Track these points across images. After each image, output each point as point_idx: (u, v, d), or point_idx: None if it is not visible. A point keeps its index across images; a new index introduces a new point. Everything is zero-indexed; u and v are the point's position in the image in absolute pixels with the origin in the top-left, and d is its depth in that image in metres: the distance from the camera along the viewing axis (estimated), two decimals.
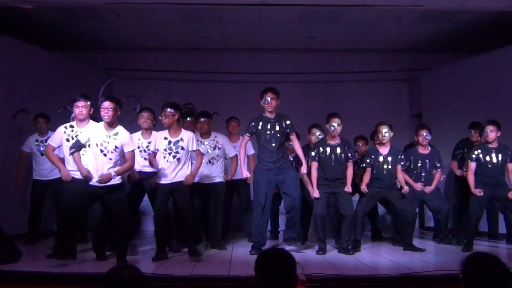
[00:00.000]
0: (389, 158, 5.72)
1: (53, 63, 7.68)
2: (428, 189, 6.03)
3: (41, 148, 6.14)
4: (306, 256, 5.27)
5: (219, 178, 6.02)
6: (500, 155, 5.64)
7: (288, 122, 5.50)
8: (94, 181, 4.69)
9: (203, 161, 5.48)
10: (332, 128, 5.48)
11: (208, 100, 8.76)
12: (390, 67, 9.09)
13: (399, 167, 5.75)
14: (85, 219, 5.74)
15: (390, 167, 5.71)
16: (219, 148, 6.01)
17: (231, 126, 6.67)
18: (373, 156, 5.76)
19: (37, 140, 6.27)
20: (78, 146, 4.67)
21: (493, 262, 2.11)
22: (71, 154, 4.71)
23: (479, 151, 5.71)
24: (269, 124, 5.45)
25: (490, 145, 5.67)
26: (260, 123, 5.47)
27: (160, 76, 8.86)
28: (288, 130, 5.48)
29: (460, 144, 6.66)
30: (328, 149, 5.55)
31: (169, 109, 5.17)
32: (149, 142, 5.56)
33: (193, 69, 8.88)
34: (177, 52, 9.02)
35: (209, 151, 5.96)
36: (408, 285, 4.14)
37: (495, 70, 7.35)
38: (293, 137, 5.56)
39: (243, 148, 5.60)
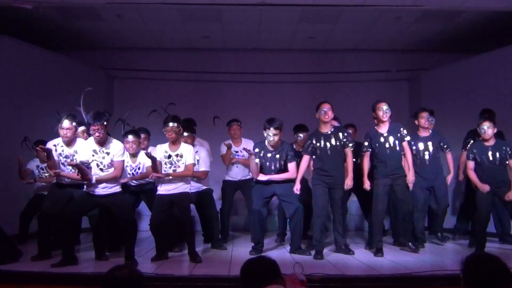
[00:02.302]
0: (391, 137, 5.41)
1: (53, 63, 7.69)
2: (450, 178, 5.92)
3: (42, 175, 6.16)
4: (306, 256, 5.27)
5: (204, 186, 6.08)
6: (497, 153, 5.42)
7: (290, 152, 5.52)
8: (95, 191, 4.76)
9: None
10: (323, 112, 5.31)
11: (208, 100, 8.79)
12: (390, 67, 9.09)
13: (405, 144, 5.44)
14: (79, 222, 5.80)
15: (393, 145, 5.40)
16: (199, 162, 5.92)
17: (232, 130, 6.50)
18: (372, 138, 5.44)
19: (37, 167, 6.30)
20: (86, 166, 4.75)
21: (493, 262, 2.11)
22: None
23: (475, 150, 5.53)
24: (270, 154, 5.51)
25: (486, 143, 5.47)
26: (262, 152, 5.51)
27: (160, 76, 8.87)
28: (287, 158, 5.49)
29: (470, 134, 6.42)
30: (322, 139, 5.36)
31: (175, 124, 5.08)
32: (137, 166, 5.61)
33: (193, 69, 8.89)
34: (177, 52, 9.02)
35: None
36: (408, 285, 4.14)
37: (495, 70, 7.34)
38: (291, 164, 5.51)
39: (256, 173, 5.52)
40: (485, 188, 5.37)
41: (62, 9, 7.19)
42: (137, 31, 8.20)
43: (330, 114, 5.36)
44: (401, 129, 5.49)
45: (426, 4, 6.51)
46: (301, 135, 6.29)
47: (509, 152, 5.42)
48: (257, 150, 5.50)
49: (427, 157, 5.91)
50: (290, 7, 7.00)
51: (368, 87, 9.16)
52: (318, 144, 5.37)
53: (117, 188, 4.86)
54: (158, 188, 5.20)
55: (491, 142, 5.46)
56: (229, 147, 6.34)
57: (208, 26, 8.03)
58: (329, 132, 5.39)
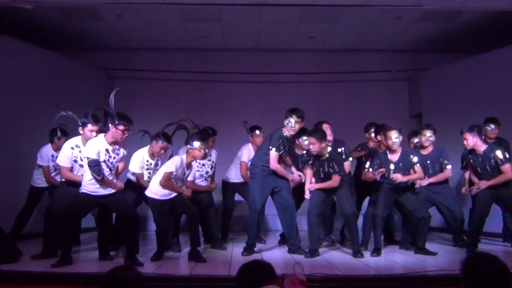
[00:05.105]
0: (401, 165, 5.41)
1: (54, 63, 7.69)
2: (424, 182, 5.68)
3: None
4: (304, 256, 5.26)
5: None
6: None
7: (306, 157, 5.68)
8: (95, 191, 4.77)
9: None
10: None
11: (208, 100, 8.80)
12: (390, 67, 9.09)
13: (417, 168, 5.42)
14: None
15: (402, 172, 5.41)
16: (214, 166, 6.19)
17: (259, 139, 6.33)
18: (382, 163, 5.44)
19: (53, 156, 5.94)
20: (99, 167, 4.68)
21: (492, 262, 2.11)
22: (102, 179, 4.71)
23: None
24: (289, 143, 5.54)
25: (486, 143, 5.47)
26: (283, 142, 5.46)
27: (160, 76, 8.87)
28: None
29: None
30: (316, 163, 5.41)
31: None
32: (156, 164, 5.65)
33: (193, 69, 8.89)
34: (177, 52, 9.02)
35: (209, 170, 6.14)
36: (408, 285, 4.14)
37: (495, 70, 7.35)
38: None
39: (277, 165, 5.47)
40: (481, 185, 5.33)
41: (62, 9, 7.19)
42: (137, 31, 8.20)
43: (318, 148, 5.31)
44: (411, 156, 5.46)
45: (426, 4, 6.51)
46: (304, 137, 5.99)
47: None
48: (279, 144, 5.41)
49: (426, 176, 5.77)
50: (290, 7, 7.00)
51: (368, 87, 9.17)
52: (315, 167, 5.44)
53: None
54: (161, 195, 5.19)
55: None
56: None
57: (208, 26, 8.02)
58: (324, 158, 5.37)
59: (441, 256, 5.41)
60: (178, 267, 4.83)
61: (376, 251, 5.39)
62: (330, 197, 5.63)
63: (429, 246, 5.77)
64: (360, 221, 6.08)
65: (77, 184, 5.01)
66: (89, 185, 4.75)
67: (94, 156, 4.64)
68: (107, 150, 4.74)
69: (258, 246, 5.87)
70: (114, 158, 4.79)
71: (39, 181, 6.13)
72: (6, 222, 5.71)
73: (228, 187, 6.55)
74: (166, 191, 5.13)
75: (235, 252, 5.68)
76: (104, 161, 4.72)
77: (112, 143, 4.75)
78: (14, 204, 6.40)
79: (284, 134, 5.46)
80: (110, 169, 4.78)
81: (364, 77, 9.02)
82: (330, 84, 9.03)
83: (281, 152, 5.45)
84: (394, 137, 5.37)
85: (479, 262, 2.13)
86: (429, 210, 5.73)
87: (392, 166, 5.44)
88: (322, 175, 5.38)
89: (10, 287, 4.08)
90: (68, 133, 5.86)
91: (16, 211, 6.26)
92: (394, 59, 9.11)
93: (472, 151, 5.44)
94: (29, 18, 7.27)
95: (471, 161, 5.50)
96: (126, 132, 4.69)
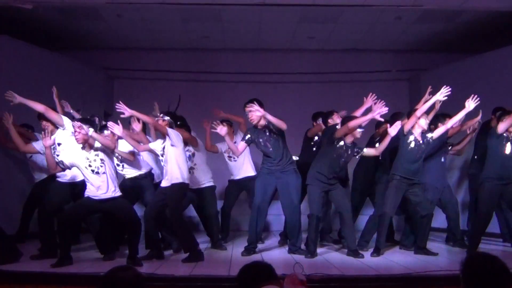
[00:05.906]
0: (423, 146, 5.44)
1: (53, 63, 7.68)
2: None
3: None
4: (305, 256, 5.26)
5: (206, 184, 6.06)
6: None
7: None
8: (96, 195, 4.80)
9: None
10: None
11: (208, 100, 8.78)
12: (390, 67, 9.09)
13: (435, 134, 5.53)
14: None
15: (423, 148, 5.43)
16: (193, 155, 6.00)
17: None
18: (413, 140, 5.40)
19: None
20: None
21: (492, 262, 2.11)
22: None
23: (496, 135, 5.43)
24: (262, 133, 5.49)
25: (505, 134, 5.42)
26: (256, 134, 5.51)
27: (160, 76, 8.87)
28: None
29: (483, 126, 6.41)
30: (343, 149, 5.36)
31: (161, 115, 5.35)
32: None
33: (193, 69, 8.89)
34: (177, 52, 9.02)
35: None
36: (408, 285, 4.14)
37: (495, 70, 7.34)
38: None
39: (239, 152, 5.63)
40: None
41: (62, 9, 7.19)
42: (137, 31, 8.20)
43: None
44: (428, 135, 5.51)
45: (426, 4, 6.51)
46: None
47: None
48: (249, 136, 5.50)
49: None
50: (290, 7, 7.01)
51: (368, 87, 9.13)
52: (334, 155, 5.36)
53: (117, 193, 4.91)
54: (161, 180, 5.34)
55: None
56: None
57: (208, 26, 8.03)
58: (351, 145, 5.40)
59: (441, 256, 5.41)
60: (178, 267, 4.83)
61: (376, 251, 5.39)
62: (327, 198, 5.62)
63: (429, 246, 5.78)
64: (362, 221, 6.09)
65: (66, 182, 5.19)
66: (89, 190, 4.84)
67: (68, 160, 4.86)
68: (87, 158, 4.79)
69: (258, 246, 5.86)
70: (94, 160, 4.80)
71: (33, 174, 6.19)
72: (6, 223, 5.70)
73: (233, 186, 6.53)
74: (163, 180, 5.26)
75: (235, 252, 5.68)
76: (86, 167, 4.77)
77: (87, 149, 4.79)
78: (13, 205, 6.41)
79: (254, 126, 5.51)
80: (97, 172, 4.79)
81: (364, 77, 9.02)
82: (330, 84, 9.02)
83: (257, 142, 5.49)
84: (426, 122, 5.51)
85: (479, 262, 2.14)
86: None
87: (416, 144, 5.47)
88: (342, 161, 5.36)
89: (10, 287, 4.08)
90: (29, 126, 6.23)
91: (15, 211, 6.26)
92: (394, 59, 9.11)
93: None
94: (29, 18, 7.27)
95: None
96: (76, 130, 4.72)
